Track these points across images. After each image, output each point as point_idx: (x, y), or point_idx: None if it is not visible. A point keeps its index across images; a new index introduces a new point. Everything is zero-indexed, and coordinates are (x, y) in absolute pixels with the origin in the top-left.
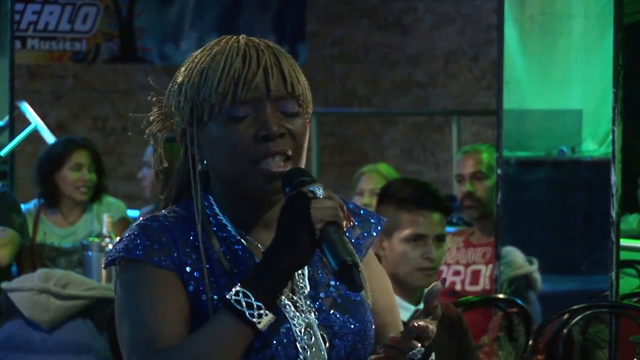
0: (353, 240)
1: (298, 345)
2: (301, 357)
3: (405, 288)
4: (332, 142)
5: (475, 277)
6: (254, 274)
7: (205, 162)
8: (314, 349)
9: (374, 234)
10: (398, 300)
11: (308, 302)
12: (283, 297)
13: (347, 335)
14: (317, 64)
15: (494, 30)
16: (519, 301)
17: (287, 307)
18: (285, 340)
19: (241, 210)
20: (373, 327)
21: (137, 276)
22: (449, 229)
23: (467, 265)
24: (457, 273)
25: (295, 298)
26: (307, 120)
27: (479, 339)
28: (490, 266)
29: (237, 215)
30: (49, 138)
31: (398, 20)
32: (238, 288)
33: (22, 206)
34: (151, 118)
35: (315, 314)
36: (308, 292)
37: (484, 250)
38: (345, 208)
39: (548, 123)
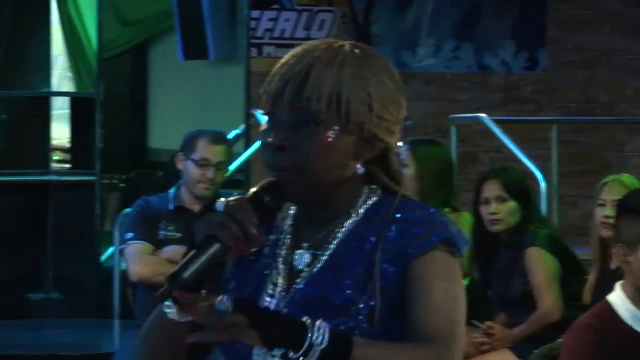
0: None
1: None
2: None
3: None
4: (573, 151)
5: None
6: None
7: None
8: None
9: (434, 238)
10: None
11: (283, 295)
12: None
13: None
14: (558, 70)
15: None
16: None
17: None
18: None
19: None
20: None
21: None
22: None
23: None
24: None
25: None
26: (329, 134)
27: None
28: None
29: (297, 206)
30: None
31: None
32: None
33: None
34: None
35: (286, 308)
36: (299, 287)
37: None
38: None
39: None
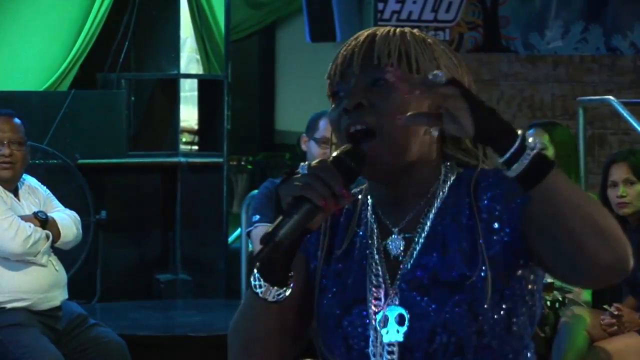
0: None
1: (371, 326)
2: (372, 337)
3: None
4: None
5: None
6: None
7: None
8: (388, 329)
9: (518, 200)
10: None
11: (389, 283)
12: (373, 276)
13: (426, 316)
14: None
15: None
16: None
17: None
18: (357, 321)
19: (374, 189)
20: (466, 309)
21: None
22: None
23: None
24: None
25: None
26: (403, 90)
27: None
28: None
29: (375, 195)
30: None
31: None
32: None
33: None
34: None
35: (397, 294)
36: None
37: None
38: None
39: None
